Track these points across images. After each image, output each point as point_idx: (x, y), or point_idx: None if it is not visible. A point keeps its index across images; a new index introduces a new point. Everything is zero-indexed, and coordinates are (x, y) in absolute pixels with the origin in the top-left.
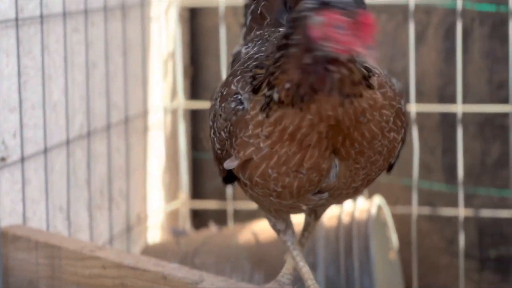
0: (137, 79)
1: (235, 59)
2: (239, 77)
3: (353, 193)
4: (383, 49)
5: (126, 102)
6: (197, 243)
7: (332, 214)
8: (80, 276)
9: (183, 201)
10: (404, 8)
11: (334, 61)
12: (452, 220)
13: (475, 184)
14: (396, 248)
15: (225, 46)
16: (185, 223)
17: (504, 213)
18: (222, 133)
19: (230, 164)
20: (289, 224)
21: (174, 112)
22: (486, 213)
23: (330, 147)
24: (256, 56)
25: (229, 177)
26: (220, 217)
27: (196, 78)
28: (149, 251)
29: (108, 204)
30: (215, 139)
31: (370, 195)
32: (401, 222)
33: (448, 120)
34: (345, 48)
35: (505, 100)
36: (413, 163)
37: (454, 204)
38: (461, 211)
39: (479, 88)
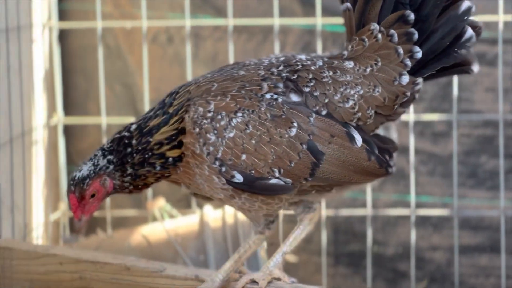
0: (21, 98)
1: None
2: None
3: None
4: None
5: (10, 121)
6: (91, 248)
7: (216, 216)
8: (34, 273)
9: (64, 211)
10: (264, 29)
11: None
12: None
13: None
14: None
15: (102, 65)
16: (66, 231)
17: (356, 212)
18: None
19: None
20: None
21: (53, 128)
22: (342, 212)
23: None
24: None
25: None
26: (97, 225)
27: (66, 96)
28: None
29: None
30: None
31: None
32: None
33: None
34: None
35: None
36: None
37: None
38: (323, 211)
39: None
